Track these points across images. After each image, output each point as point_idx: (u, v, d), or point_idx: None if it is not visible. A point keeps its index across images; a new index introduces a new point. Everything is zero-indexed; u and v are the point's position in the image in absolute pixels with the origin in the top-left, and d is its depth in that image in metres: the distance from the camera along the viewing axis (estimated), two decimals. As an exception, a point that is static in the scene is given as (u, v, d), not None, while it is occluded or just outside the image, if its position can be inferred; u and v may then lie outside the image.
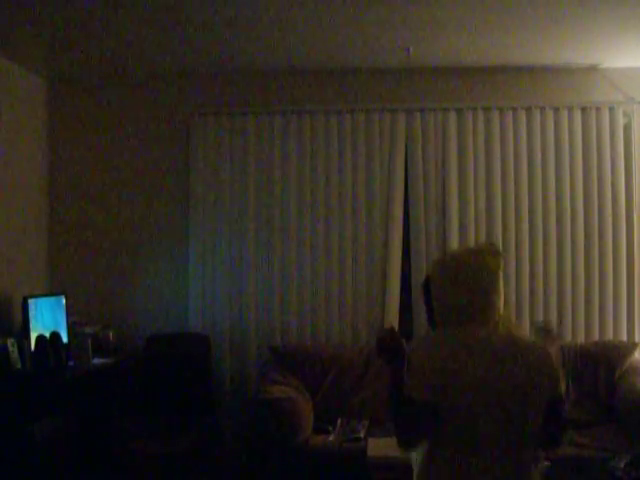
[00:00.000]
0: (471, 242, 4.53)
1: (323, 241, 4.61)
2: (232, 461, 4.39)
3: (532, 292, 4.52)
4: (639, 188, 4.55)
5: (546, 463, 3.22)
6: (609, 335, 4.47)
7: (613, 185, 4.52)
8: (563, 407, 2.04)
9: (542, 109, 4.57)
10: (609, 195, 4.51)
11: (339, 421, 3.95)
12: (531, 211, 4.55)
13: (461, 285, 2.03)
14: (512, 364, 1.97)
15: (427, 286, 2.15)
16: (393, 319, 4.56)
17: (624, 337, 4.46)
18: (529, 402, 1.96)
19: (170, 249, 4.75)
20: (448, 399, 1.96)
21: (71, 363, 3.93)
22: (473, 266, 2.04)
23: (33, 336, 3.89)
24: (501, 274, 2.06)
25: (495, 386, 1.96)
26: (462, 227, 4.56)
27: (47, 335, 3.82)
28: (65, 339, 4.10)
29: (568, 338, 4.46)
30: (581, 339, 4.46)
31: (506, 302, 2.11)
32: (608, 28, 3.84)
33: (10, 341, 3.69)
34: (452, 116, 4.59)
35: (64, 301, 4.40)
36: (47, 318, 4.16)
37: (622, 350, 4.22)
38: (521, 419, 1.96)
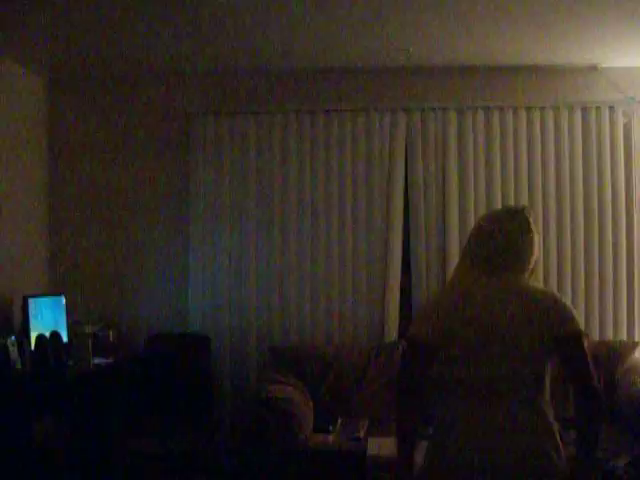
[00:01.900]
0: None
1: (323, 241, 4.61)
2: (231, 461, 4.39)
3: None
4: (639, 188, 4.55)
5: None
6: (609, 335, 4.47)
7: (613, 185, 4.52)
8: (583, 345, 1.99)
9: (542, 109, 4.57)
10: (609, 195, 4.51)
11: (339, 421, 3.95)
12: (531, 210, 4.53)
13: (482, 239, 2.09)
14: (519, 305, 1.99)
15: None
16: (393, 319, 4.57)
17: (624, 337, 4.46)
18: (537, 339, 1.96)
19: (170, 249, 4.75)
20: (461, 343, 1.99)
21: (71, 363, 3.92)
22: (497, 225, 2.09)
23: (33, 336, 3.90)
24: (532, 237, 2.08)
25: (501, 325, 1.97)
26: (462, 227, 4.55)
27: (47, 335, 3.82)
28: (65, 339, 4.10)
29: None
30: (581, 339, 4.45)
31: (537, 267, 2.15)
32: (608, 28, 3.84)
33: (10, 341, 3.69)
34: (452, 116, 4.59)
35: (64, 301, 4.40)
36: (47, 318, 4.16)
37: (622, 350, 4.22)
38: (531, 358, 1.96)
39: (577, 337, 1.99)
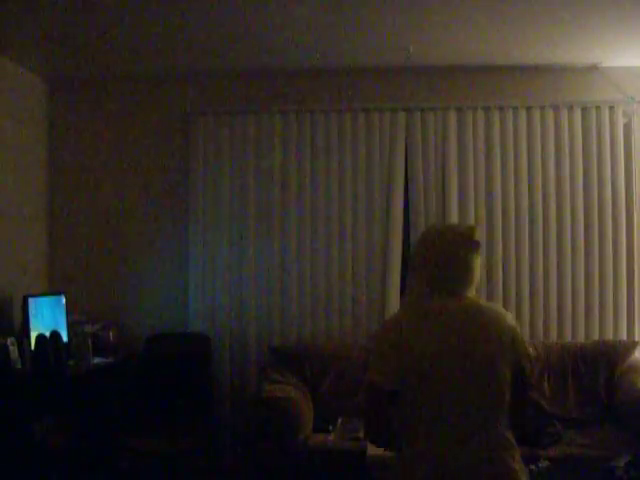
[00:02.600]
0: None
1: (323, 241, 4.61)
2: (232, 461, 4.39)
3: (532, 292, 4.52)
4: (639, 188, 4.55)
5: (546, 463, 3.24)
6: (609, 335, 4.47)
7: (613, 185, 4.52)
8: (528, 385, 2.01)
9: (542, 109, 4.57)
10: (609, 194, 4.51)
11: (339, 421, 3.94)
12: (531, 211, 4.55)
13: (430, 258, 2.06)
14: (475, 332, 1.96)
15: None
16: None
17: (624, 337, 4.46)
18: (495, 370, 1.94)
19: (170, 249, 4.76)
20: (411, 379, 1.95)
21: (71, 362, 3.93)
22: (445, 242, 2.06)
23: (33, 335, 3.90)
24: (475, 256, 2.07)
25: (458, 356, 1.94)
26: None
27: (47, 334, 3.82)
28: (65, 338, 4.10)
29: (568, 338, 4.47)
30: (581, 339, 4.46)
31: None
32: (608, 28, 3.84)
33: (10, 340, 3.69)
34: (452, 116, 4.59)
35: (64, 300, 4.40)
36: (47, 317, 4.16)
37: (622, 350, 4.21)
38: (490, 389, 1.93)
39: (530, 367, 2.01)
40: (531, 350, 2.03)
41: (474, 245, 2.07)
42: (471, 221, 4.55)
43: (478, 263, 2.09)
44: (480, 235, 2.15)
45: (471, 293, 2.07)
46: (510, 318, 2.04)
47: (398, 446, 2.02)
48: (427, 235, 2.16)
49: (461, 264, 2.04)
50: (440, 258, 2.05)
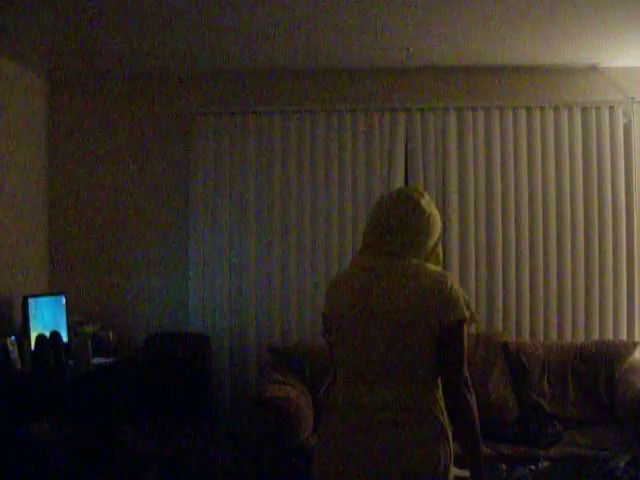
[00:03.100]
0: (471, 241, 4.54)
1: (323, 241, 4.61)
2: (231, 461, 4.39)
3: (532, 292, 4.52)
4: (639, 188, 4.55)
5: (546, 463, 3.24)
6: (609, 335, 4.47)
7: (613, 185, 4.52)
8: (461, 335, 1.93)
9: (542, 109, 4.57)
10: (609, 195, 4.51)
11: (339, 421, 3.94)
12: (531, 211, 4.55)
13: (374, 223, 2.07)
14: (403, 289, 1.94)
15: None
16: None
17: (624, 337, 4.46)
18: (417, 325, 1.91)
19: (170, 249, 4.76)
20: (337, 326, 2.04)
21: (71, 363, 3.93)
22: (388, 208, 2.05)
23: (33, 336, 3.89)
24: (427, 217, 2.04)
25: (379, 308, 1.95)
26: (462, 227, 4.56)
27: (47, 335, 3.82)
28: (65, 339, 4.11)
29: (568, 338, 4.47)
30: (581, 339, 4.46)
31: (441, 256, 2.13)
32: (608, 28, 3.84)
33: (10, 341, 3.69)
34: (452, 116, 4.59)
35: (64, 300, 4.40)
36: (47, 318, 4.16)
37: (622, 350, 4.21)
38: (410, 344, 1.91)
39: (455, 327, 1.92)
40: (471, 315, 1.95)
41: (411, 204, 2.02)
42: (471, 221, 4.55)
43: (422, 224, 2.02)
44: (430, 196, 2.13)
45: (418, 258, 2.01)
46: (442, 279, 1.96)
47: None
48: (377, 199, 2.19)
49: (393, 223, 2.01)
50: (375, 219, 2.06)
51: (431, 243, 2.06)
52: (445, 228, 4.56)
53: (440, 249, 2.11)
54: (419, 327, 1.91)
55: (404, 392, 1.93)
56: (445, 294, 1.93)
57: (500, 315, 4.53)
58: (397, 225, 2.01)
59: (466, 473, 2.27)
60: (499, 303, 4.53)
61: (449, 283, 1.95)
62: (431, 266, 2.04)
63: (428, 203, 2.06)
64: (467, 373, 1.94)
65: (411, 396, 1.93)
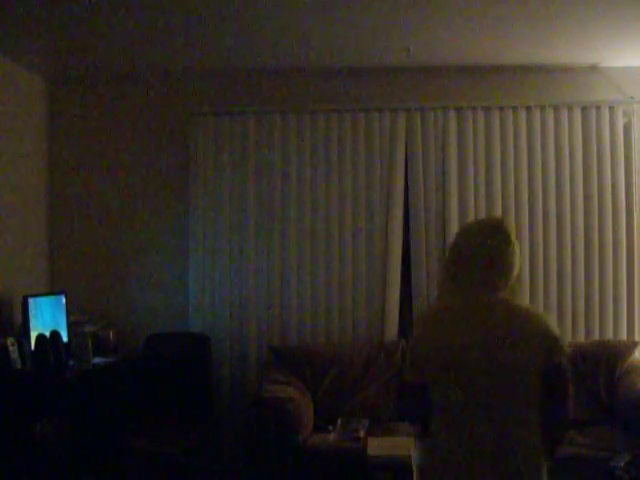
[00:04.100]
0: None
1: (323, 241, 4.61)
2: (232, 461, 4.39)
3: (532, 292, 4.52)
4: (639, 188, 4.55)
5: (546, 463, 3.22)
6: (609, 335, 4.47)
7: (613, 185, 4.52)
8: (564, 379, 1.94)
9: (542, 108, 4.57)
10: (609, 194, 4.52)
11: (339, 421, 3.94)
12: (531, 211, 4.55)
13: (465, 256, 2.02)
14: (505, 328, 1.92)
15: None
16: (393, 319, 4.57)
17: (624, 337, 4.46)
18: (524, 365, 1.89)
19: (170, 249, 4.76)
20: (436, 366, 1.96)
21: (71, 362, 3.93)
22: (472, 235, 2.04)
23: (33, 335, 3.90)
24: (512, 250, 2.02)
25: (486, 353, 1.90)
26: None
27: (47, 334, 3.82)
28: (65, 338, 4.10)
29: (568, 338, 4.47)
30: (581, 339, 4.46)
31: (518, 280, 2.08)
32: (608, 28, 3.84)
33: (10, 340, 3.69)
34: (452, 116, 4.59)
35: (64, 300, 4.40)
36: (47, 317, 4.16)
37: (622, 350, 4.22)
38: (516, 388, 1.89)
39: (563, 366, 1.94)
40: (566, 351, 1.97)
41: (503, 236, 2.01)
42: (471, 221, 4.55)
43: (513, 256, 2.01)
44: (510, 227, 2.08)
45: (505, 290, 2.00)
46: (541, 318, 1.98)
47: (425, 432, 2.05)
48: (458, 232, 2.14)
49: (488, 256, 1.98)
50: (467, 251, 2.01)
51: (515, 275, 2.05)
52: (445, 228, 4.56)
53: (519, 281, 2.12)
54: (526, 367, 1.90)
55: (512, 432, 1.91)
56: (550, 334, 1.94)
57: (500, 315, 4.52)
58: (490, 258, 1.99)
59: None
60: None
61: (550, 322, 1.98)
62: (524, 304, 2.07)
63: (512, 232, 2.06)
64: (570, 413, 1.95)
65: (520, 438, 1.91)
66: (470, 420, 1.92)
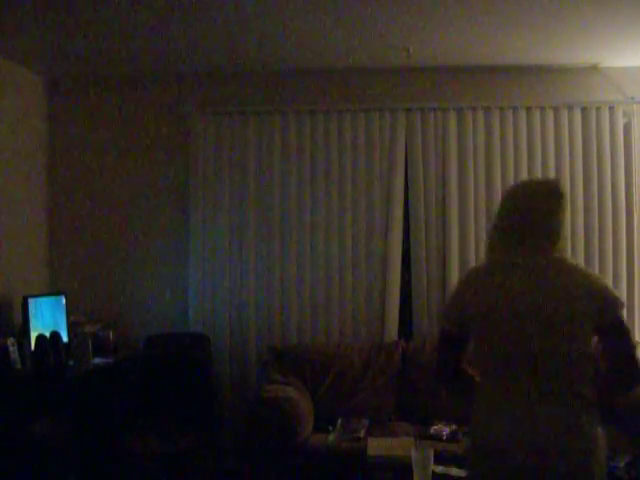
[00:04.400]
0: (471, 240, 4.54)
1: (323, 241, 4.61)
2: (232, 461, 4.39)
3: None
4: (639, 188, 4.55)
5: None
6: (609, 335, 4.47)
7: (613, 185, 4.52)
8: (625, 335, 1.89)
9: (542, 109, 4.57)
10: (609, 195, 4.51)
11: (339, 421, 3.94)
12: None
13: (511, 210, 2.02)
14: (559, 283, 1.90)
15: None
16: (393, 319, 4.57)
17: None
18: (579, 323, 1.86)
19: (170, 249, 4.75)
20: (484, 325, 1.94)
21: (71, 363, 3.92)
22: (526, 194, 2.02)
23: (33, 336, 3.90)
24: (564, 212, 2.01)
25: (534, 307, 1.88)
26: (462, 227, 4.56)
27: (47, 335, 3.82)
28: (65, 339, 4.11)
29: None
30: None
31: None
32: (608, 28, 3.84)
33: (10, 341, 3.69)
34: (452, 116, 4.59)
35: (64, 301, 4.40)
36: (47, 318, 4.16)
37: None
38: (570, 343, 1.86)
39: (620, 324, 1.90)
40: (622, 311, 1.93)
41: (558, 197, 2.00)
42: (471, 221, 4.55)
43: (565, 217, 2.01)
44: (565, 190, 2.06)
45: (560, 249, 1.98)
46: (598, 278, 1.97)
47: (470, 396, 2.02)
48: (510, 189, 2.12)
49: (543, 216, 1.97)
50: (518, 212, 2.00)
51: (563, 238, 2.02)
52: (445, 228, 4.56)
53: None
54: (580, 325, 1.87)
55: (567, 393, 1.87)
56: (607, 291, 1.92)
57: (500, 315, 4.52)
58: (542, 220, 1.98)
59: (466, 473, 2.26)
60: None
61: (607, 282, 1.97)
62: (575, 262, 2.03)
63: (567, 194, 2.04)
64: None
65: (570, 397, 1.88)
66: (521, 377, 1.89)
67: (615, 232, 4.50)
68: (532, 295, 1.91)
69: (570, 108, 4.56)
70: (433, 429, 3.76)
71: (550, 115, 4.57)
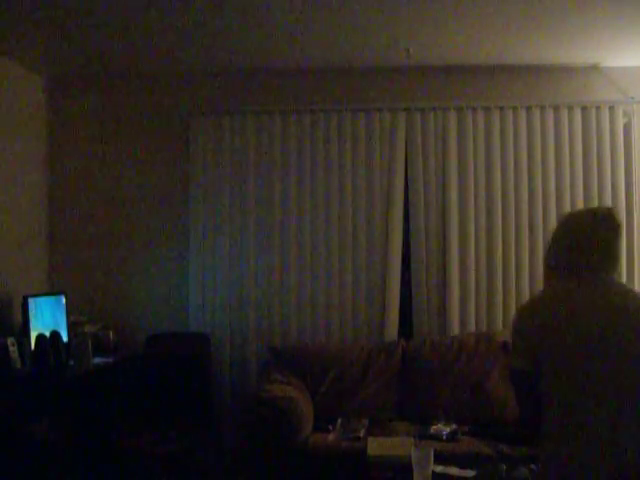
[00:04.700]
0: (471, 240, 4.54)
1: (323, 241, 4.61)
2: (232, 461, 4.39)
3: (532, 291, 4.51)
4: (639, 188, 4.55)
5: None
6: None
7: (613, 185, 4.52)
8: None
9: (542, 108, 4.57)
10: (609, 195, 4.51)
11: (339, 421, 3.94)
12: (531, 210, 4.55)
13: (568, 240, 2.02)
14: (622, 312, 1.89)
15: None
16: (393, 319, 4.57)
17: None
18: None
19: (170, 249, 4.75)
20: (548, 361, 1.89)
21: (71, 362, 3.92)
22: (583, 224, 2.03)
23: (33, 335, 3.89)
24: (615, 238, 2.03)
25: (604, 342, 1.85)
26: (462, 227, 4.56)
27: (47, 334, 3.82)
28: (65, 338, 4.10)
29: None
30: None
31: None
32: (608, 27, 3.84)
33: (10, 340, 3.69)
34: (452, 116, 4.59)
35: (64, 300, 4.40)
36: (47, 317, 4.16)
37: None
38: (633, 384, 1.83)
39: None
40: None
41: (614, 226, 2.02)
42: (471, 221, 4.55)
43: (620, 246, 2.03)
44: (620, 218, 2.08)
45: (616, 277, 1.99)
46: None
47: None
48: (565, 219, 2.12)
49: (600, 245, 1.99)
50: (578, 240, 2.00)
51: (621, 261, 2.06)
52: (445, 227, 4.56)
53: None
54: None
55: (632, 422, 1.83)
56: None
57: (500, 314, 4.53)
58: (603, 249, 2.00)
59: (466, 473, 2.26)
60: (499, 302, 4.53)
61: None
62: (626, 285, 2.05)
63: (622, 223, 2.07)
64: None
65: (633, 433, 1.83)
66: (585, 410, 1.85)
67: (615, 232, 4.50)
68: (602, 319, 1.89)
69: (570, 108, 4.56)
70: (433, 429, 3.76)
71: (550, 115, 4.57)
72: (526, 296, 4.51)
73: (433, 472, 2.65)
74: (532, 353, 1.93)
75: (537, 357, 1.92)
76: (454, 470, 2.99)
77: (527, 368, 1.95)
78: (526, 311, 2.04)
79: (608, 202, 4.50)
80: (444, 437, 3.67)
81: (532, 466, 3.11)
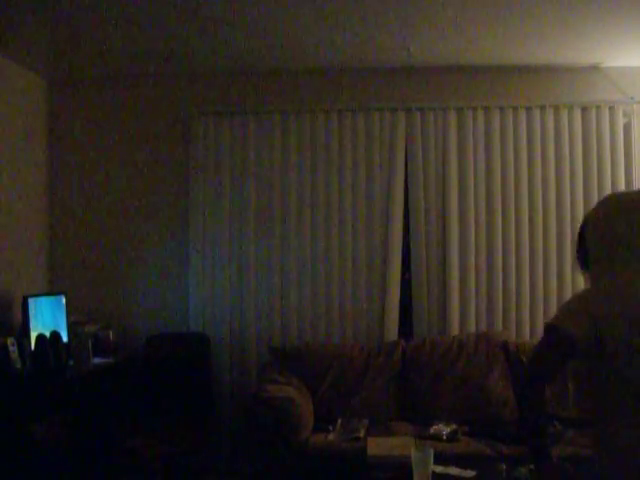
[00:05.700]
0: (471, 240, 4.54)
1: (323, 241, 4.61)
2: (232, 461, 4.39)
3: (532, 291, 4.52)
4: (639, 187, 4.55)
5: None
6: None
7: (613, 185, 4.52)
8: None
9: (542, 108, 4.57)
10: (609, 195, 4.51)
11: (339, 421, 3.94)
12: (531, 210, 4.55)
13: (627, 219, 1.87)
14: None
15: (582, 232, 2.00)
16: (393, 319, 4.57)
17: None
18: None
19: (170, 249, 4.75)
20: (615, 352, 1.78)
21: (71, 363, 3.92)
22: (628, 211, 1.88)
23: (33, 335, 3.89)
24: None
25: None
26: (462, 227, 4.56)
27: (47, 334, 3.82)
28: (65, 339, 4.10)
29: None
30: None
31: None
32: (609, 27, 3.84)
33: (10, 340, 3.69)
34: (452, 116, 4.59)
35: (64, 300, 4.40)
36: (47, 317, 4.16)
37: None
38: None
39: None
40: None
41: None
42: (471, 221, 4.55)
43: None
44: None
45: None
46: None
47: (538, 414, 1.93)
48: (605, 208, 1.95)
49: None
50: (625, 228, 1.87)
51: None
52: (445, 227, 4.56)
53: None
54: None
55: None
56: None
57: (500, 314, 4.53)
58: None
59: (466, 473, 2.25)
60: (499, 302, 4.53)
61: None
62: None
63: None
64: None
65: None
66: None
67: (615, 232, 4.50)
68: None
69: (570, 108, 4.56)
70: (433, 429, 3.76)
71: (550, 115, 4.57)
72: (526, 296, 4.51)
73: (433, 472, 2.65)
74: (593, 323, 1.81)
75: (599, 332, 1.80)
76: (454, 470, 2.99)
77: (577, 333, 1.81)
78: (579, 299, 1.93)
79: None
80: (444, 437, 3.67)
81: (532, 466, 3.11)
